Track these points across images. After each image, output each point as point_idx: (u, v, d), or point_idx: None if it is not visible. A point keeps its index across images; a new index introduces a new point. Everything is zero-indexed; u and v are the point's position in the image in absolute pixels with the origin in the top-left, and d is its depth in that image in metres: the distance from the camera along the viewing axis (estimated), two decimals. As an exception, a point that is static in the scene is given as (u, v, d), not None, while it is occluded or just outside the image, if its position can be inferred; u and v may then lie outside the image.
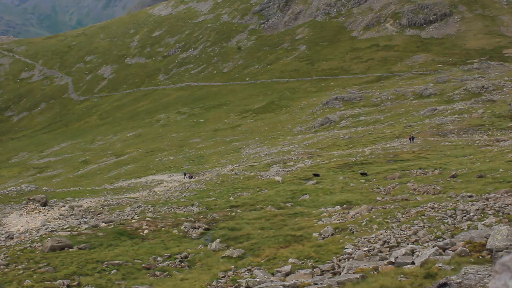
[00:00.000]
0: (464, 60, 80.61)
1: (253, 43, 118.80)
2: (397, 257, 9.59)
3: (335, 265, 11.38)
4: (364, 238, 12.91)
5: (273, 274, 11.68)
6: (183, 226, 19.86)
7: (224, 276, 13.14)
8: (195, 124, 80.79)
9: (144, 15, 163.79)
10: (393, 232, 12.85)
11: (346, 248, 12.47)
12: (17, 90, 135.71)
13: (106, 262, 15.18)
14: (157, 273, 14.42)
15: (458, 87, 57.90)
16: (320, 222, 16.75)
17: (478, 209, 12.95)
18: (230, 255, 15.05)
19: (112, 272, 14.39)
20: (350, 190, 21.84)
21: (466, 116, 41.86)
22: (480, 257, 7.78)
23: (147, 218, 21.07)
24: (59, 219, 23.12)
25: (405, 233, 12.46)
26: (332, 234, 14.56)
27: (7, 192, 31.91)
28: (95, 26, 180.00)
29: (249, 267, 13.38)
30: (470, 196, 15.53)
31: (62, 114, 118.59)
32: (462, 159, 25.44)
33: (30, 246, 17.42)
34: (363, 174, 25.29)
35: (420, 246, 10.61)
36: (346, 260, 11.45)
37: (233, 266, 13.86)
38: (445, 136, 36.32)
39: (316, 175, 26.74)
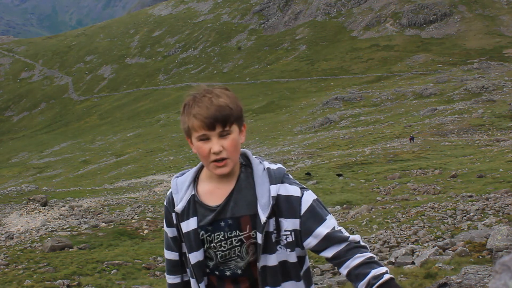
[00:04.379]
0: (464, 60, 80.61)
1: (253, 43, 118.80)
2: (397, 257, 9.59)
3: (335, 265, 11.34)
4: (364, 238, 12.89)
5: (273, 274, 11.66)
6: (183, 226, 19.82)
7: (224, 276, 13.10)
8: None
9: (144, 15, 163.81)
10: (393, 232, 12.84)
11: (346, 248, 12.45)
12: (17, 90, 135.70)
13: (106, 262, 15.16)
14: (157, 273, 14.40)
15: (458, 87, 57.90)
16: (320, 222, 16.72)
17: (478, 209, 12.94)
18: (230, 255, 14.99)
19: (112, 272, 14.38)
20: (350, 190, 21.83)
21: (466, 116, 41.86)
22: (480, 257, 7.77)
23: (147, 218, 21.07)
24: (59, 219, 23.11)
25: (405, 233, 12.44)
26: (332, 234, 14.52)
27: (7, 192, 31.91)
28: (95, 26, 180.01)
29: (249, 267, 13.34)
30: (470, 196, 15.51)
31: (62, 114, 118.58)
32: (462, 159, 25.43)
33: (30, 246, 17.41)
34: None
35: (420, 246, 10.61)
36: (346, 260, 11.41)
37: (233, 266, 13.81)
38: (445, 136, 36.31)
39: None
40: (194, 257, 1.84)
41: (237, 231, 1.81)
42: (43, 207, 26.10)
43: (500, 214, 12.06)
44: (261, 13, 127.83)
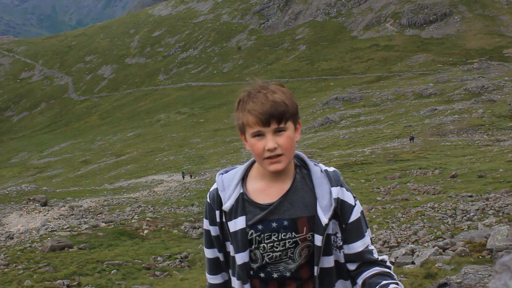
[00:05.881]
0: (464, 60, 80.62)
1: (253, 43, 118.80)
2: (397, 257, 9.58)
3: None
4: (364, 238, 12.88)
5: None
6: (183, 226, 19.85)
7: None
8: (195, 124, 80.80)
9: (144, 15, 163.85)
10: (393, 232, 12.83)
11: (346, 248, 12.43)
12: (17, 90, 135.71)
13: (106, 262, 15.17)
14: (157, 273, 14.41)
15: (458, 87, 57.90)
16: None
17: (478, 209, 12.94)
18: (230, 255, 14.98)
19: (112, 272, 14.39)
20: (350, 190, 21.79)
21: (466, 116, 41.85)
22: (480, 257, 7.78)
23: (147, 218, 21.08)
24: (59, 219, 23.12)
25: (405, 233, 12.44)
26: (333, 234, 14.51)
27: (7, 192, 31.90)
28: (95, 26, 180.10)
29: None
30: (470, 196, 15.51)
31: (62, 114, 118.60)
32: (462, 159, 25.42)
33: (30, 246, 17.41)
34: None
35: (420, 246, 10.61)
36: (346, 260, 11.40)
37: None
38: (445, 136, 36.31)
39: None
40: (241, 258, 1.79)
41: (293, 233, 1.76)
42: (43, 207, 26.10)
43: (500, 214, 12.06)
44: (261, 13, 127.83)
